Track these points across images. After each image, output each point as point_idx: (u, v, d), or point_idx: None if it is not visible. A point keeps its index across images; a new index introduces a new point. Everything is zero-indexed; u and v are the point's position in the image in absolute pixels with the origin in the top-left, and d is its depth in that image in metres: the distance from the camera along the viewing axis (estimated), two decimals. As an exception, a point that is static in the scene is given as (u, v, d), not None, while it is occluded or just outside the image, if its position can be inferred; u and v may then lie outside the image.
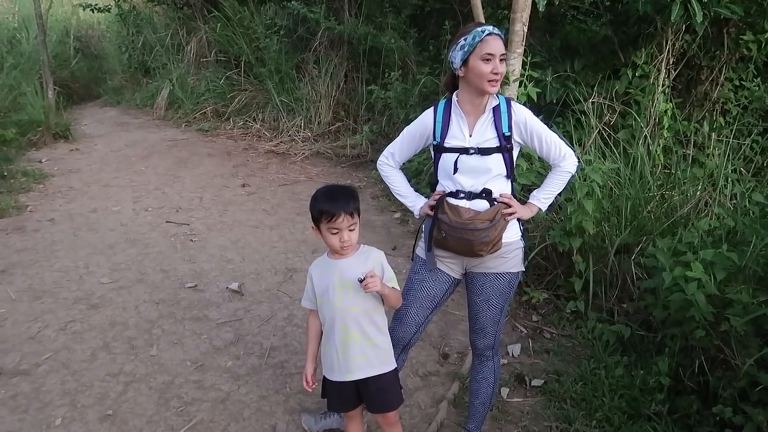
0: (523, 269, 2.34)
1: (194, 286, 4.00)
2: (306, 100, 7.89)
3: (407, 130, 2.38)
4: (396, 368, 2.22)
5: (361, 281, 1.98)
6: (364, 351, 2.11)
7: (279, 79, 8.12)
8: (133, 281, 4.04)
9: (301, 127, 7.83)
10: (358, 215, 2.04)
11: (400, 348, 2.38)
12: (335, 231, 2.01)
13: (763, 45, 5.04)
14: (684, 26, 4.89)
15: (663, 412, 2.74)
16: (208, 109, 8.74)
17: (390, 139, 2.45)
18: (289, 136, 7.76)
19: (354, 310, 2.07)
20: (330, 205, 1.99)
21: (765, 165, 4.36)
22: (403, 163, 2.49)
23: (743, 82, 5.25)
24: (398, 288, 2.16)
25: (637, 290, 3.42)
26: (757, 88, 5.11)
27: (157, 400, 2.84)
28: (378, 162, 2.51)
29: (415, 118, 2.36)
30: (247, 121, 8.30)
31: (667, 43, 4.99)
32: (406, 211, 5.23)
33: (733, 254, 2.78)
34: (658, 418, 2.71)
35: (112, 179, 6.33)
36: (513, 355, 3.34)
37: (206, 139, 8.03)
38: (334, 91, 7.85)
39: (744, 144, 4.44)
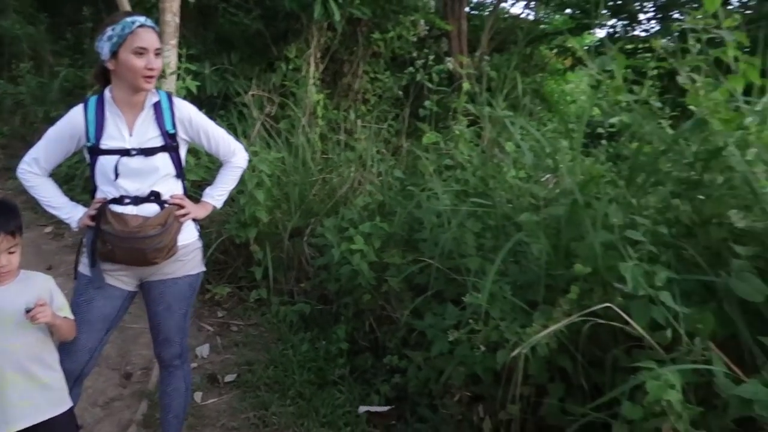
0: (204, 269, 2.28)
1: None
2: None
3: (52, 131, 2.06)
4: (72, 406, 1.94)
5: (28, 311, 1.67)
6: (30, 395, 1.78)
7: None
8: None
9: None
10: (20, 235, 1.72)
11: (72, 381, 2.07)
12: (-11, 256, 1.65)
13: (388, 43, 5.92)
14: (326, 24, 5.41)
15: (345, 374, 3.04)
16: None
17: (28, 142, 2.10)
18: None
19: (14, 348, 1.73)
20: None
21: (400, 145, 5.15)
22: (53, 169, 2.16)
23: (377, 75, 6.10)
24: (71, 316, 1.90)
25: (312, 269, 3.70)
26: (387, 80, 5.99)
27: None
28: (18, 170, 2.12)
29: (58, 116, 2.07)
30: None
31: (313, 38, 5.45)
32: (59, 223, 4.55)
33: (385, 224, 3.24)
34: (342, 380, 2.99)
35: None
36: (202, 356, 3.27)
37: None
38: (-62, 84, 6.34)
39: (383, 128, 5.16)
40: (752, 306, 1.76)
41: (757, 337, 1.68)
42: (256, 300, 3.76)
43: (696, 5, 2.22)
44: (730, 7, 5.83)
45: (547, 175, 3.02)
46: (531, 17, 8.51)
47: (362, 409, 2.77)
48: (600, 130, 2.75)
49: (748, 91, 2.22)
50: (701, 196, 2.14)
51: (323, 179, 4.30)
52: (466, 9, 7.26)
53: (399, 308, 3.05)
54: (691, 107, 2.24)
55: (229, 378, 3.06)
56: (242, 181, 3.59)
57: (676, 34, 2.56)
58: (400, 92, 5.73)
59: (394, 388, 2.85)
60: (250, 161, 3.67)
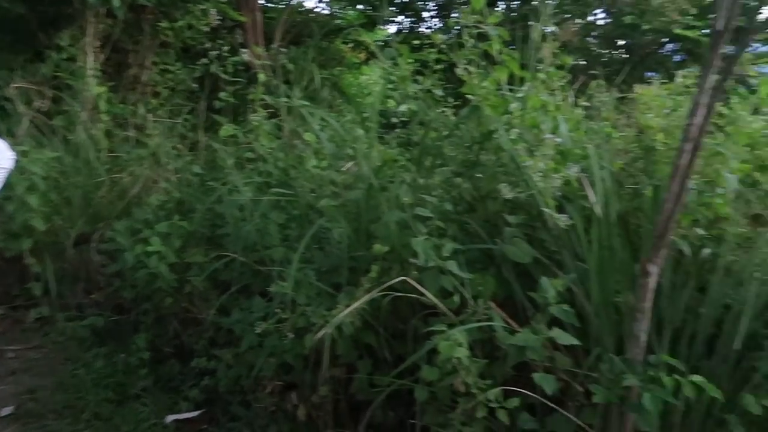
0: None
1: None
2: None
3: None
4: None
5: None
6: None
7: None
8: None
9: None
10: None
11: None
12: None
13: (177, 32, 5.58)
14: (105, 10, 4.91)
15: (149, 385, 2.83)
16: None
17: None
18: None
19: None
20: None
21: (198, 140, 4.90)
22: None
23: (168, 66, 5.71)
24: None
25: (104, 277, 3.39)
26: (179, 72, 5.65)
27: None
28: None
29: None
30: None
31: (89, 25, 4.92)
32: None
33: (185, 222, 3.07)
34: (145, 392, 2.78)
35: None
36: (-30, 392, 2.81)
37: None
38: None
39: (178, 123, 4.87)
40: (523, 267, 2.00)
41: (527, 293, 1.92)
42: (37, 319, 3.36)
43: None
44: (498, 8, 6.56)
45: (349, 164, 3.12)
46: (326, 12, 8.67)
47: (170, 418, 2.61)
48: (394, 119, 2.90)
49: (512, 80, 2.51)
50: (479, 175, 2.39)
51: (111, 179, 3.94)
52: (261, 1, 7.16)
53: (204, 308, 2.92)
54: (468, 96, 2.46)
55: (5, 411, 2.68)
56: (9, 185, 3.15)
57: (456, 30, 2.79)
58: (195, 85, 5.44)
59: (203, 390, 2.72)
60: (18, 162, 3.24)
